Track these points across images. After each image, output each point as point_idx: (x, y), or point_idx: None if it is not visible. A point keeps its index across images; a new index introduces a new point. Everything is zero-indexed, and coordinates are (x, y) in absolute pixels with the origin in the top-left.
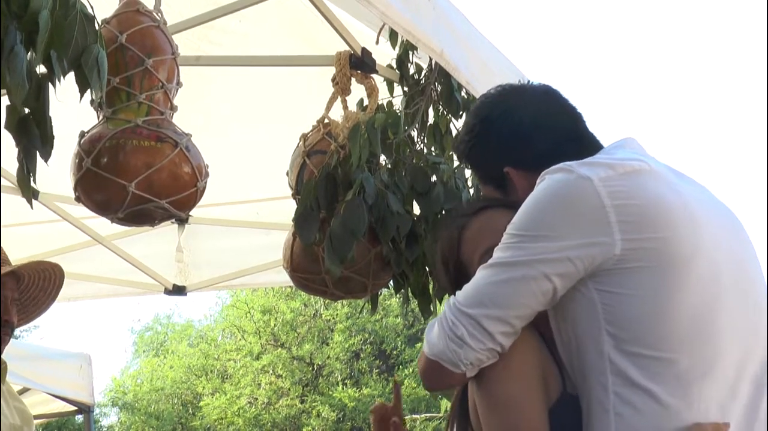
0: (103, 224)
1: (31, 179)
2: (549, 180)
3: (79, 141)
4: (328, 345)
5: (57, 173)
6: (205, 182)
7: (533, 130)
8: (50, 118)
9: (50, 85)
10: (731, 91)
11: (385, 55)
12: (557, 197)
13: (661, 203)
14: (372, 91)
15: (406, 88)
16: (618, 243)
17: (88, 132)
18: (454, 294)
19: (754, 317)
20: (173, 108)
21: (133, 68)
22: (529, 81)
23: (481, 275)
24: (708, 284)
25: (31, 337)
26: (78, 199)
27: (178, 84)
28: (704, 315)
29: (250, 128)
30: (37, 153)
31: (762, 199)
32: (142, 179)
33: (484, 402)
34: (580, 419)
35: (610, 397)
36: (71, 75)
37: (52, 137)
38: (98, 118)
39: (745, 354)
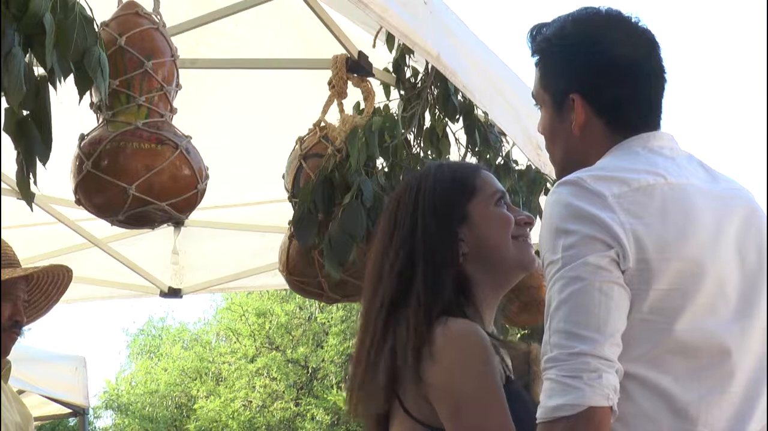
0: (99, 227)
1: (32, 181)
2: (558, 195)
3: (79, 144)
4: (322, 348)
5: (53, 175)
6: (206, 185)
7: (628, 74)
8: (51, 120)
9: (49, 87)
10: (732, 91)
11: (381, 58)
12: (571, 218)
13: (671, 224)
14: (368, 95)
15: (402, 92)
16: (631, 257)
17: (88, 135)
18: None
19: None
20: (173, 110)
21: (132, 71)
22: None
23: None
24: (708, 311)
25: (26, 339)
26: (78, 202)
27: (178, 86)
28: (704, 337)
29: (246, 131)
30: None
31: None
32: (142, 181)
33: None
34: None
35: None
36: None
37: (52, 140)
38: (98, 120)
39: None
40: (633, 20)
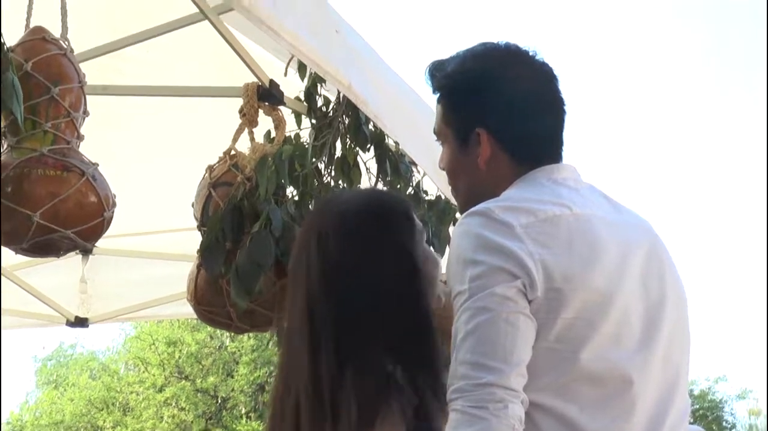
0: (3, 255)
1: None
2: (467, 226)
3: None
4: (233, 377)
5: None
6: (113, 212)
7: (532, 107)
8: None
9: None
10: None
11: (293, 87)
12: (479, 249)
13: (578, 255)
14: (279, 123)
15: (314, 121)
16: (540, 286)
17: None
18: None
19: (667, 371)
20: (80, 137)
21: (38, 97)
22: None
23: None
24: (613, 341)
25: None
26: None
27: (85, 113)
28: (609, 369)
29: (155, 159)
30: None
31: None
32: (47, 208)
33: None
34: None
35: None
36: None
37: None
38: (2, 147)
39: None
40: (531, 54)
